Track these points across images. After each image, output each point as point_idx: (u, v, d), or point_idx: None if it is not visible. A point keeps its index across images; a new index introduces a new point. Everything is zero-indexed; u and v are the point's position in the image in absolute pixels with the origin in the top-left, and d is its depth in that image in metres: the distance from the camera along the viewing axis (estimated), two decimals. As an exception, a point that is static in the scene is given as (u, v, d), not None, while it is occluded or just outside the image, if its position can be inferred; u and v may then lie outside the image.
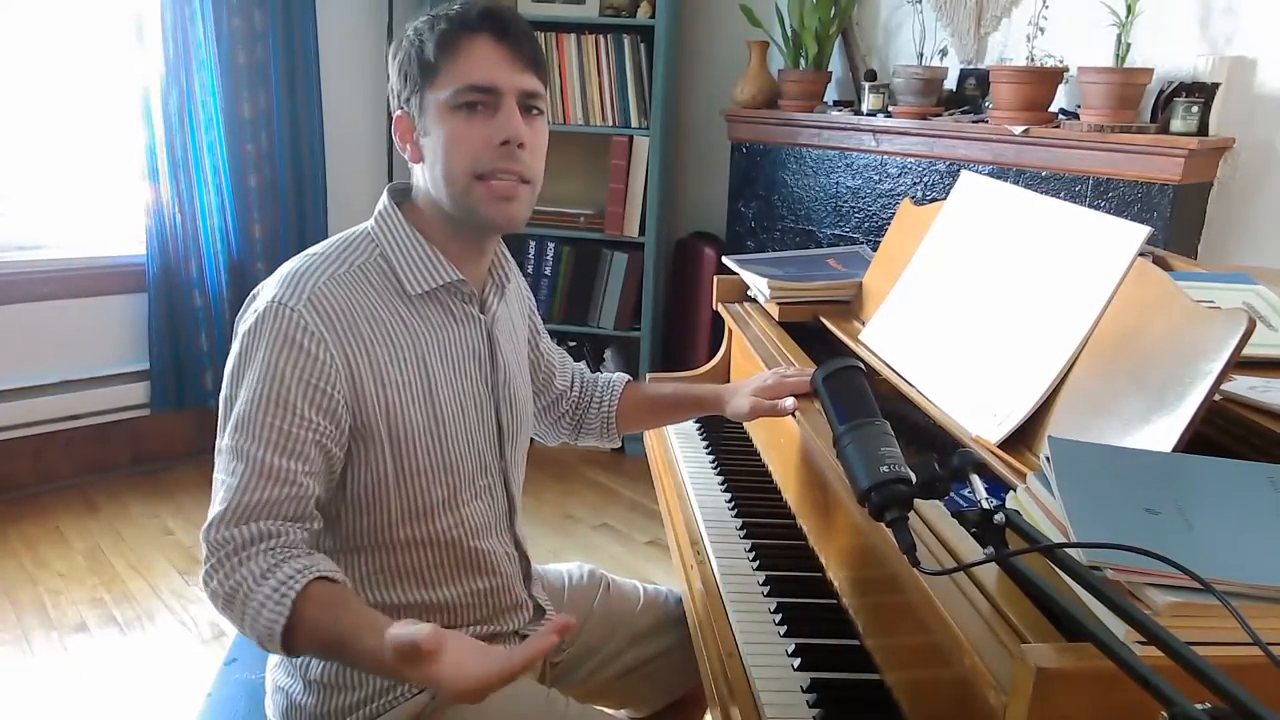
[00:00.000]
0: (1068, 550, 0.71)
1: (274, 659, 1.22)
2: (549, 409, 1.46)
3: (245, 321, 1.08)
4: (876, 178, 2.84)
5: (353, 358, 1.05)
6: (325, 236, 3.32)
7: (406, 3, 3.36)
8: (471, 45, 1.05)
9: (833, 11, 2.97)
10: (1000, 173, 2.51)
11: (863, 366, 0.96)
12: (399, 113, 1.11)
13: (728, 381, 1.85)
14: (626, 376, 1.49)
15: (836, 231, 2.96)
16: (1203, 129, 2.30)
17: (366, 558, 1.13)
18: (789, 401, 1.29)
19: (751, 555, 1.27)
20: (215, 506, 1.03)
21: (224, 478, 1.04)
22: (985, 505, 0.75)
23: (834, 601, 1.15)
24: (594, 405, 1.47)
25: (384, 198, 1.15)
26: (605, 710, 1.24)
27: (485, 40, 1.06)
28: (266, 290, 1.09)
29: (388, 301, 1.10)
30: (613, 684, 1.35)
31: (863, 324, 1.53)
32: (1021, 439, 1.08)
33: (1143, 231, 1.07)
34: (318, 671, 1.14)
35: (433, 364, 1.12)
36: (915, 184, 2.74)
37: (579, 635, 1.33)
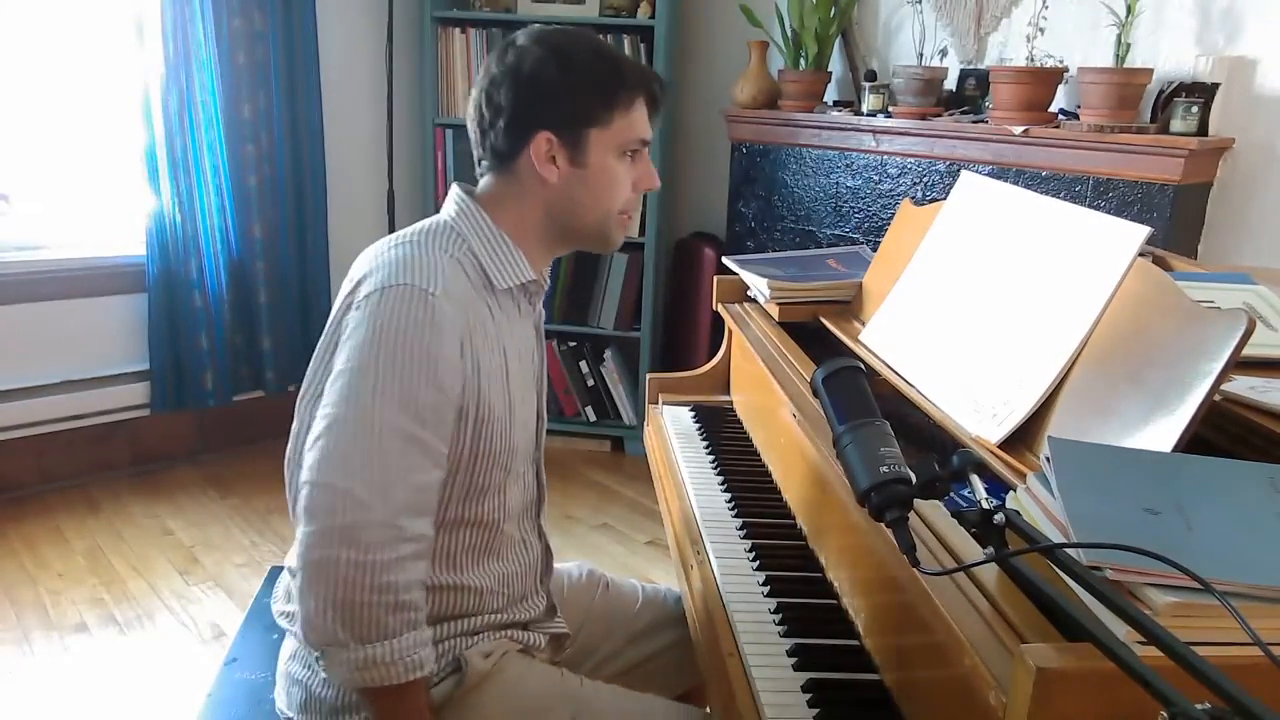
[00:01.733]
0: (1068, 550, 0.71)
1: (288, 651, 1.23)
2: None
3: (371, 302, 1.09)
4: (876, 178, 2.84)
5: (466, 343, 1.12)
6: (325, 237, 3.37)
7: (406, 3, 3.36)
8: (640, 101, 1.20)
9: (833, 11, 2.97)
10: (1000, 173, 2.51)
11: (863, 366, 0.96)
12: (544, 133, 1.16)
13: (728, 383, 1.85)
14: None
15: (836, 231, 2.96)
16: (1203, 129, 2.30)
17: None
18: None
19: (751, 555, 1.27)
20: (386, 490, 1.02)
21: (391, 459, 1.04)
22: (985, 505, 0.75)
23: (834, 602, 1.15)
24: None
25: (462, 195, 1.22)
26: (621, 689, 1.26)
27: (647, 99, 1.21)
28: (384, 273, 1.11)
29: (479, 293, 1.17)
30: (613, 682, 1.36)
31: (863, 324, 1.53)
32: (1021, 439, 1.08)
33: (1143, 231, 1.07)
34: None
35: (509, 353, 1.20)
36: (915, 184, 2.74)
37: (579, 634, 1.37)
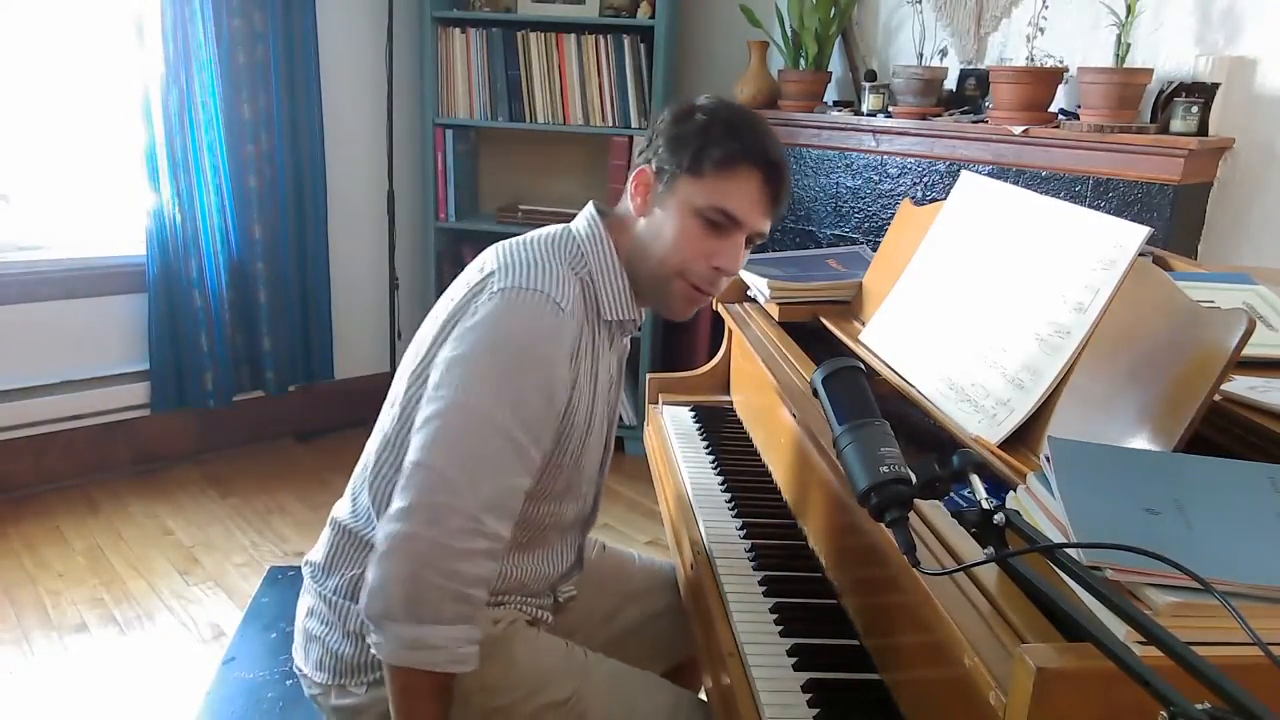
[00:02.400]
0: (1068, 550, 0.71)
1: (305, 607, 1.25)
2: None
3: (504, 297, 1.10)
4: (876, 178, 2.84)
5: (574, 361, 1.15)
6: (325, 237, 3.37)
7: (406, 3, 3.36)
8: (747, 176, 1.16)
9: (833, 12, 2.97)
10: (1000, 173, 2.51)
11: (862, 366, 0.96)
12: (646, 166, 1.19)
13: (728, 383, 1.85)
14: None
15: (836, 231, 2.96)
16: (1203, 129, 2.30)
17: None
18: None
19: (751, 555, 1.27)
20: (478, 483, 1.05)
21: (490, 454, 1.06)
22: (985, 505, 0.75)
23: (833, 602, 1.15)
24: None
25: (595, 218, 1.24)
26: (624, 665, 1.29)
27: (758, 178, 1.16)
28: (521, 273, 1.13)
29: (587, 316, 1.19)
30: (611, 647, 1.41)
31: (863, 324, 1.53)
32: (1021, 439, 1.08)
33: (1143, 231, 1.07)
34: (357, 622, 1.18)
35: (598, 378, 1.22)
36: (915, 184, 2.74)
37: (580, 595, 1.41)
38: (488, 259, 1.19)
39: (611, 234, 1.22)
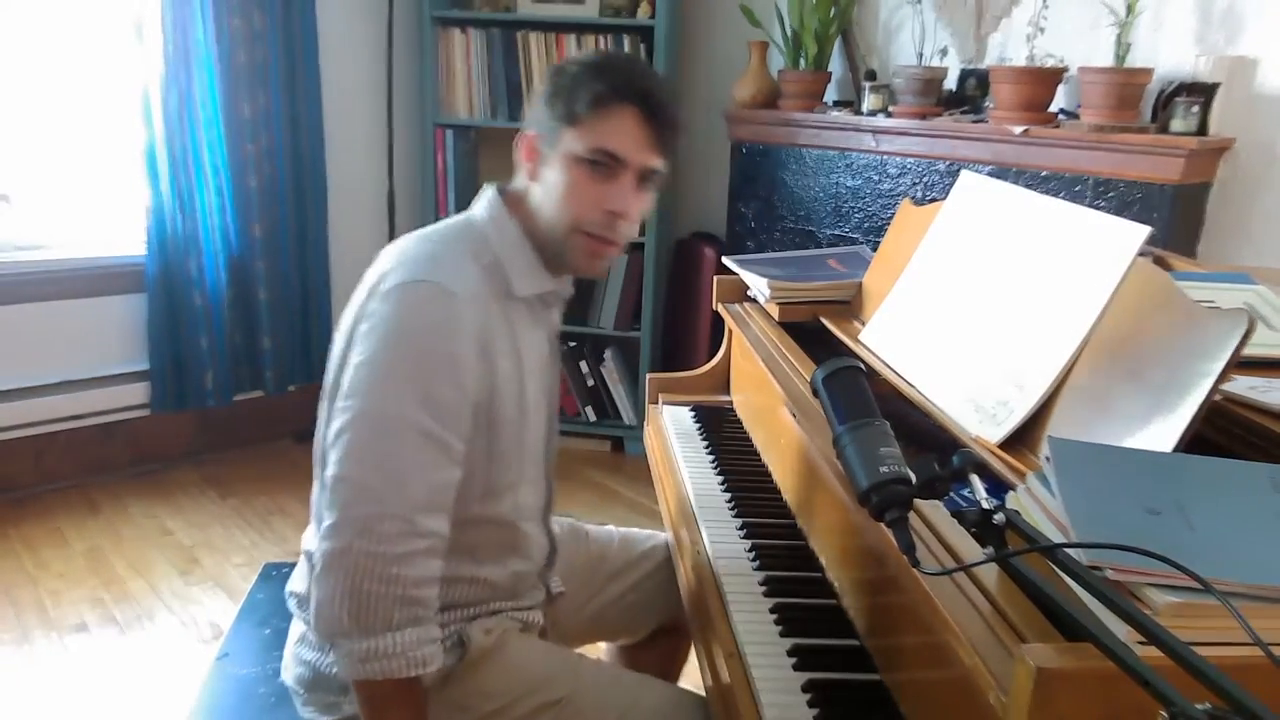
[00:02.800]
0: (1068, 550, 0.71)
1: (296, 634, 1.26)
2: None
3: (394, 295, 1.09)
4: (876, 178, 2.83)
5: (484, 345, 1.13)
6: (325, 237, 3.37)
7: (406, 3, 3.36)
8: (621, 112, 1.13)
9: (833, 12, 2.97)
10: (1000, 173, 2.51)
11: (862, 366, 0.96)
12: (531, 132, 1.18)
13: (728, 383, 1.85)
14: None
15: (836, 231, 2.96)
16: (1203, 129, 2.30)
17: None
18: None
19: (751, 555, 1.27)
20: (403, 485, 1.05)
21: (408, 454, 1.06)
22: (985, 505, 0.75)
23: (833, 602, 1.15)
24: None
25: (495, 198, 1.22)
26: (618, 666, 1.33)
27: (633, 112, 1.13)
28: (409, 269, 1.12)
29: (498, 297, 1.18)
30: (600, 616, 1.45)
31: (863, 324, 1.53)
32: (1021, 439, 1.08)
33: (1143, 231, 1.06)
34: None
35: (523, 359, 1.21)
36: (915, 184, 2.74)
37: (569, 583, 1.42)
38: (383, 260, 1.18)
39: (513, 210, 1.21)
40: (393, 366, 1.07)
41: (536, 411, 1.24)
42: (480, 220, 1.21)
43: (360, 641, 1.03)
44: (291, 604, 1.28)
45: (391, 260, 1.15)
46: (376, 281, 1.14)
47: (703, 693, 1.19)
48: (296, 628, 1.27)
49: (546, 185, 1.17)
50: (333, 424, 1.09)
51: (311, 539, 1.23)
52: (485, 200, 1.23)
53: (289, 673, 1.25)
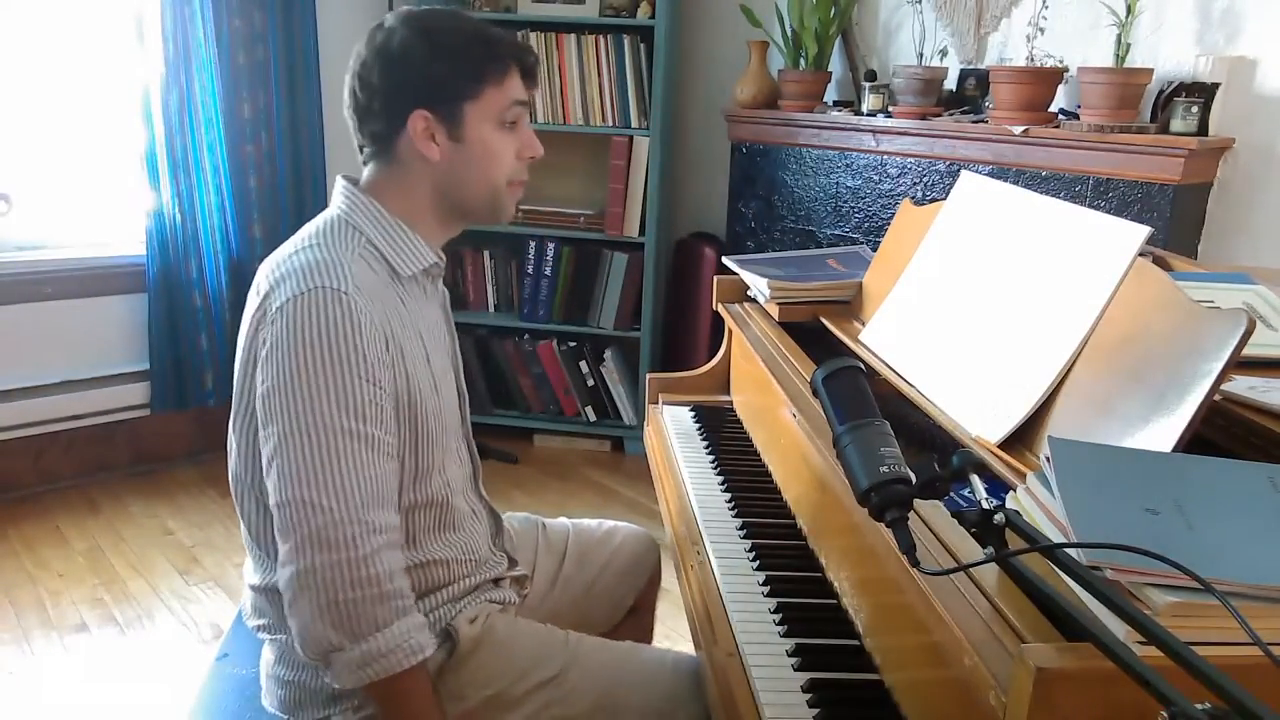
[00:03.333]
0: (1068, 550, 0.71)
1: (271, 658, 1.23)
2: None
3: (286, 312, 1.08)
4: (876, 178, 2.84)
5: (389, 335, 1.14)
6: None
7: (406, 3, 3.36)
8: (513, 73, 1.21)
9: (833, 12, 2.97)
10: (1000, 173, 2.51)
11: (862, 366, 0.96)
12: (420, 112, 1.17)
13: (728, 383, 1.85)
14: None
15: (836, 231, 2.96)
16: (1203, 129, 2.30)
17: None
18: None
19: (751, 555, 1.27)
20: (345, 491, 1.05)
21: (343, 460, 1.06)
22: (985, 505, 0.75)
23: (834, 601, 1.15)
24: None
25: (350, 188, 1.22)
26: (602, 639, 1.31)
27: (519, 69, 1.22)
28: (292, 282, 1.10)
29: (388, 283, 1.18)
30: (572, 607, 1.48)
31: (863, 324, 1.53)
32: (1021, 439, 1.08)
33: (1143, 231, 1.06)
34: None
35: (425, 338, 1.22)
36: (915, 184, 2.74)
37: (534, 573, 1.45)
38: (260, 282, 1.16)
39: (378, 195, 1.21)
40: (303, 380, 1.06)
41: (447, 386, 1.26)
42: (344, 214, 1.20)
43: (354, 649, 1.04)
44: (259, 632, 1.26)
45: (270, 278, 1.14)
46: (261, 302, 1.12)
47: (691, 652, 1.21)
48: (266, 655, 1.26)
49: (465, 156, 1.20)
50: (262, 454, 1.09)
51: (254, 574, 1.23)
52: (342, 193, 1.23)
53: (270, 698, 1.24)
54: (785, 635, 1.10)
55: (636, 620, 1.61)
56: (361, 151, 1.24)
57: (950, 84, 2.84)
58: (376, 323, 1.11)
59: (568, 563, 1.51)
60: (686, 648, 1.28)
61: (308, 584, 1.03)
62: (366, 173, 1.24)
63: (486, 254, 3.51)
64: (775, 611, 1.14)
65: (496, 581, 1.32)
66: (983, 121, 2.60)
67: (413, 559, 1.20)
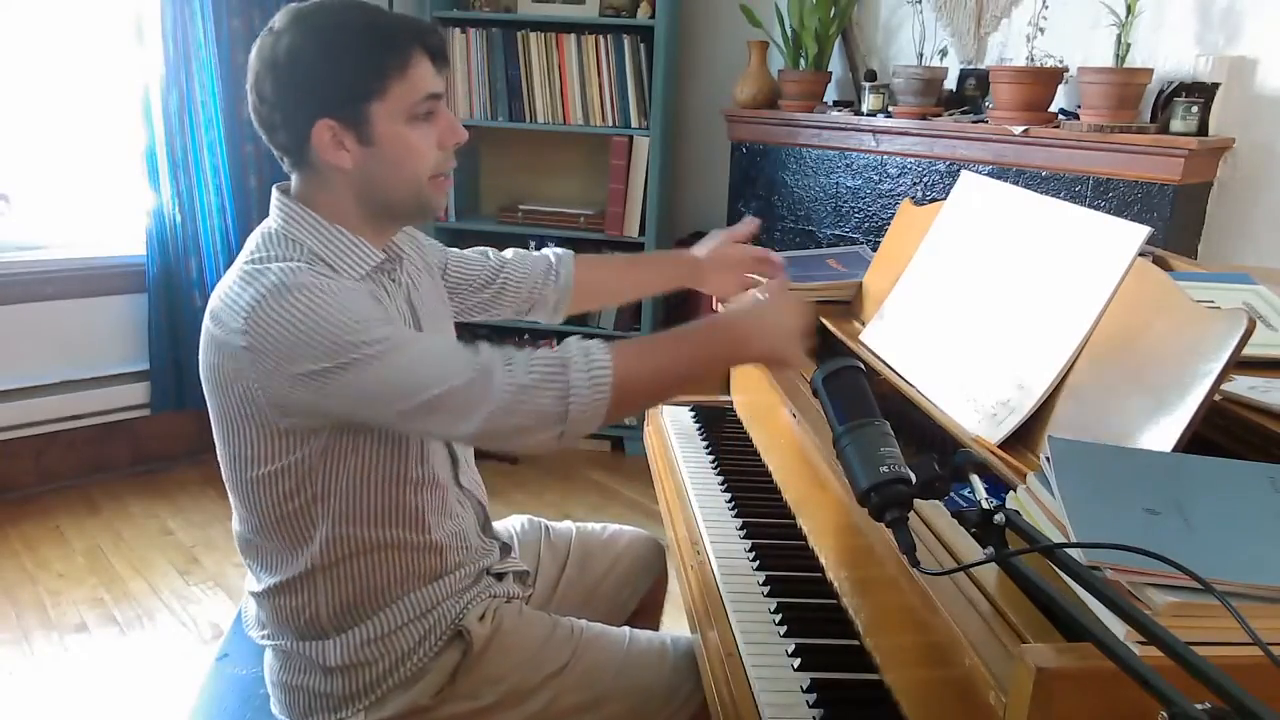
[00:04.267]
0: (1068, 550, 0.71)
1: (275, 664, 1.23)
2: (499, 290, 1.51)
3: (257, 316, 1.04)
4: (876, 178, 2.84)
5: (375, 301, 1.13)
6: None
7: (406, 4, 3.36)
8: (416, 58, 1.11)
9: (833, 12, 2.97)
10: (1000, 173, 2.51)
11: (862, 366, 0.96)
12: (323, 121, 1.09)
13: (728, 383, 1.85)
14: (572, 253, 1.58)
15: (836, 231, 2.96)
16: (1203, 129, 2.30)
17: (387, 491, 1.17)
18: (746, 224, 1.59)
19: (751, 555, 1.27)
20: (438, 361, 1.06)
21: (411, 353, 1.05)
22: (985, 505, 0.75)
23: (834, 601, 1.15)
24: (547, 278, 1.54)
25: (283, 199, 1.16)
26: (604, 625, 1.31)
27: (420, 51, 1.11)
28: (249, 293, 1.05)
29: (354, 282, 1.14)
30: (573, 611, 1.45)
31: (863, 324, 1.53)
32: (1021, 439, 1.08)
33: (1143, 231, 1.06)
34: (337, 656, 1.17)
35: (410, 320, 1.22)
36: (915, 184, 2.74)
37: (536, 574, 1.46)
38: (215, 309, 1.10)
39: (308, 202, 1.15)
40: (321, 341, 1.02)
41: None
42: (281, 227, 1.14)
43: (570, 397, 1.05)
44: (261, 639, 1.25)
45: (225, 300, 1.08)
46: (224, 333, 1.07)
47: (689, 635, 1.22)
48: (271, 663, 1.25)
49: (379, 159, 1.12)
50: (352, 415, 1.07)
51: (256, 580, 1.22)
52: (276, 205, 1.17)
53: (279, 706, 1.23)
54: (785, 635, 1.10)
55: (641, 625, 1.59)
56: (282, 161, 1.16)
57: (950, 84, 2.84)
58: (362, 290, 1.10)
59: (570, 566, 1.51)
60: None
61: (494, 421, 1.04)
62: (294, 180, 1.17)
63: (486, 254, 3.52)
64: (775, 611, 1.14)
65: (499, 577, 1.32)
66: (983, 121, 2.60)
67: (419, 541, 1.20)
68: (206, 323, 1.12)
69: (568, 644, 1.24)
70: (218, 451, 1.20)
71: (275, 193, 1.18)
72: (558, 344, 1.12)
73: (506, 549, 1.37)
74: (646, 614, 1.61)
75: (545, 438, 1.07)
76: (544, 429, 1.07)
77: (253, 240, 1.16)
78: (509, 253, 1.54)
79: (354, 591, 1.17)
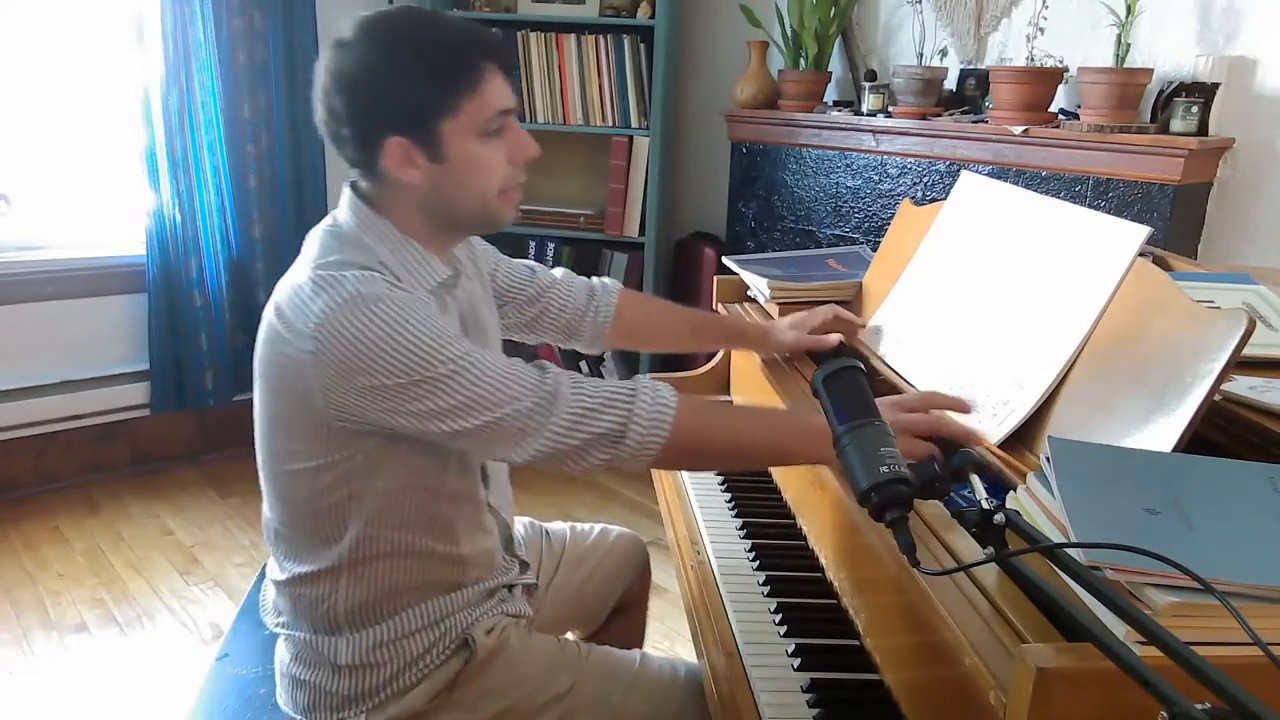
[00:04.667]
0: (1068, 550, 0.71)
1: (287, 655, 1.23)
2: (541, 313, 1.52)
3: (327, 330, 1.03)
4: (876, 178, 2.83)
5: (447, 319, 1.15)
6: (325, 236, 3.36)
7: (407, 3, 3.35)
8: (489, 75, 1.10)
9: (833, 12, 2.97)
10: (1000, 173, 2.51)
11: (862, 366, 0.96)
12: (393, 139, 1.09)
13: (728, 383, 1.85)
14: (620, 284, 1.58)
15: (836, 231, 2.96)
16: (1203, 129, 2.30)
17: (423, 500, 1.17)
18: (834, 337, 1.48)
19: (751, 555, 1.28)
20: (506, 383, 1.06)
21: (484, 366, 1.05)
22: (985, 505, 0.75)
23: (834, 601, 1.15)
24: (588, 309, 1.54)
25: (357, 201, 1.16)
26: (609, 650, 1.31)
27: (494, 67, 1.11)
28: (322, 301, 1.05)
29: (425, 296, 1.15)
30: (567, 606, 1.49)
31: (863, 324, 1.53)
32: (1021, 439, 1.08)
33: (1143, 231, 1.07)
34: (348, 655, 1.17)
35: (486, 331, 1.25)
36: (915, 184, 2.74)
37: (538, 576, 1.46)
38: (281, 304, 1.09)
39: (382, 210, 1.15)
40: (391, 352, 1.02)
41: None
42: (354, 228, 1.14)
43: (630, 425, 1.07)
44: (276, 628, 1.25)
45: (292, 301, 1.07)
46: (290, 333, 1.06)
47: (695, 660, 1.21)
48: (282, 654, 1.25)
49: (452, 176, 1.12)
50: (429, 426, 1.05)
51: (280, 569, 1.22)
52: (346, 204, 1.17)
53: (284, 697, 1.24)
54: (785, 635, 1.10)
55: (626, 619, 1.61)
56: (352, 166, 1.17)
57: (950, 84, 2.84)
58: (431, 306, 1.10)
59: (563, 566, 1.52)
60: (687, 647, 1.29)
61: (555, 441, 1.06)
62: (365, 186, 1.17)
63: (486, 254, 3.51)
64: (775, 611, 1.14)
65: (510, 589, 1.31)
66: (983, 121, 2.60)
67: (445, 552, 1.20)
68: (270, 316, 1.10)
69: (572, 667, 1.23)
70: (257, 440, 1.19)
71: (347, 191, 1.17)
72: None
73: (525, 566, 1.37)
74: (633, 609, 1.62)
75: (595, 461, 1.08)
76: (598, 450, 1.08)
77: (322, 237, 1.14)
78: (558, 272, 1.54)
79: (374, 592, 1.17)
